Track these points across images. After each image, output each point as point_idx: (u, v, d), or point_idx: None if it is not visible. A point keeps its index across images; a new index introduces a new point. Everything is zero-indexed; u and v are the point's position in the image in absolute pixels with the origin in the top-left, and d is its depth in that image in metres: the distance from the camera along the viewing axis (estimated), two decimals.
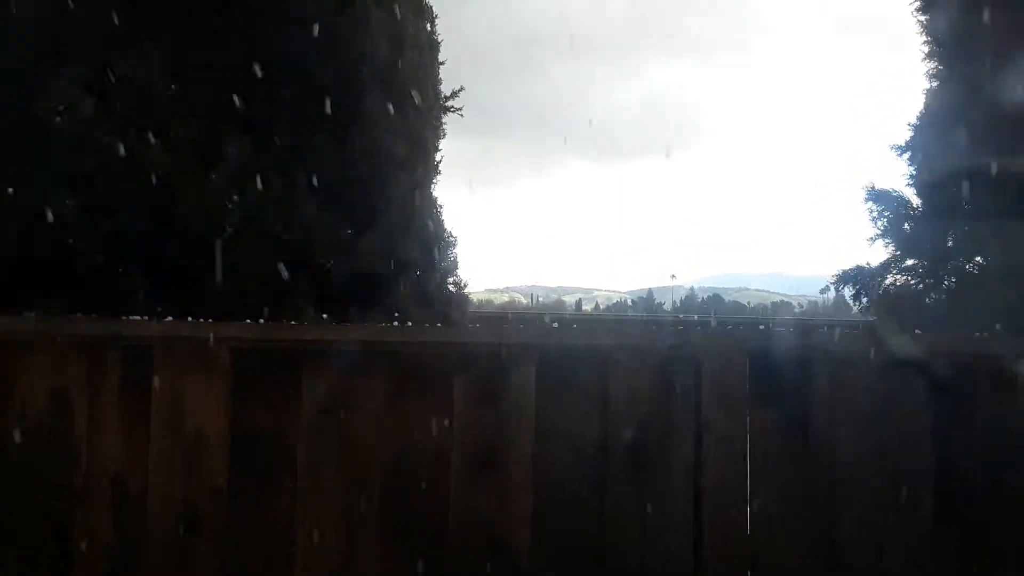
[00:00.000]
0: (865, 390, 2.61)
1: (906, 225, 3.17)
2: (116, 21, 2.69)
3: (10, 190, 2.58)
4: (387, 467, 2.66)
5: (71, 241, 2.55)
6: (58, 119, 2.60)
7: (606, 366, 2.69)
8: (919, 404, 2.59)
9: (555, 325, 3.02)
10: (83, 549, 2.56)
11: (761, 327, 3.16)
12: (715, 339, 2.74)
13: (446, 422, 2.68)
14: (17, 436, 2.56)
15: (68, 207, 2.54)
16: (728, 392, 2.63)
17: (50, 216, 2.52)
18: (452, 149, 4.23)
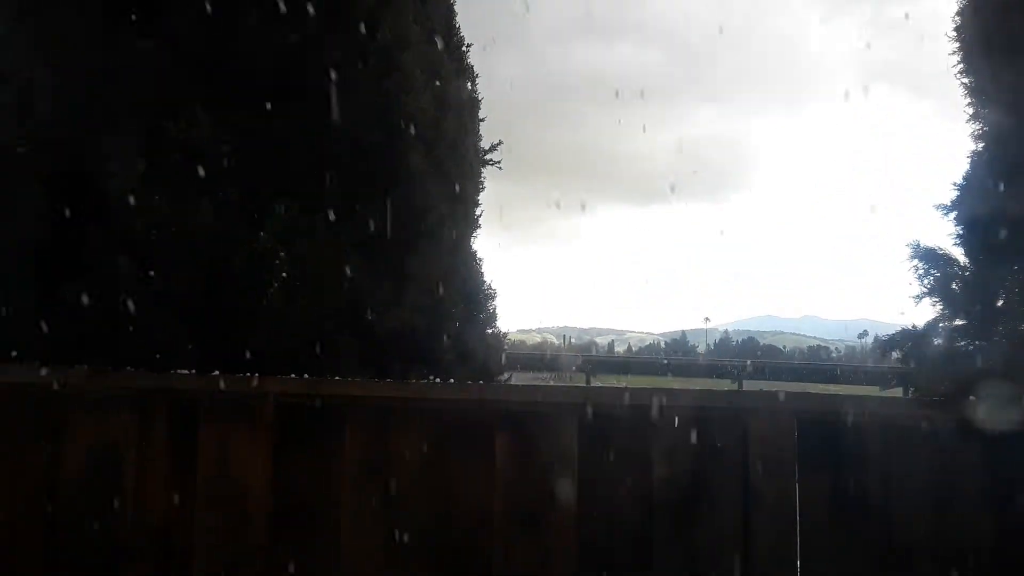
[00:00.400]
0: (921, 458, 2.54)
1: (954, 285, 3.11)
2: (167, 87, 2.79)
3: (65, 250, 2.66)
4: (429, 522, 2.65)
5: (123, 298, 2.62)
6: (112, 181, 2.68)
7: (649, 427, 2.67)
8: (978, 474, 2.52)
9: (598, 384, 3.01)
10: None
11: (810, 391, 3.10)
12: (761, 401, 2.69)
13: (488, 480, 2.67)
14: (68, 488, 2.60)
15: (120, 266, 2.61)
16: (776, 456, 2.58)
17: (103, 275, 2.59)
18: (488, 192, 4.29)
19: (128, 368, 2.66)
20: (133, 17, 2.77)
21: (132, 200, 2.69)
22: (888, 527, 2.52)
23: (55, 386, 2.63)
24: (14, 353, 2.64)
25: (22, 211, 2.64)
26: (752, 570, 2.53)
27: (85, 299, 2.64)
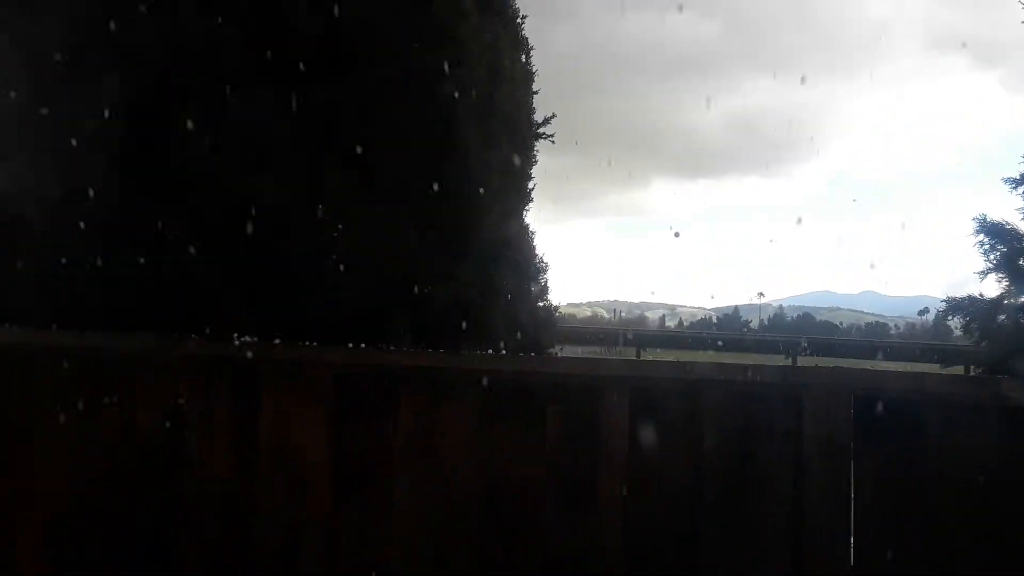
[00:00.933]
0: (981, 436, 2.48)
1: (1022, 261, 3.01)
2: (229, 62, 2.86)
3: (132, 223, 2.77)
4: (479, 492, 2.71)
5: (188, 270, 2.72)
6: (177, 155, 2.77)
7: (700, 402, 2.66)
8: None
9: (645, 356, 3.01)
10: (191, 561, 2.70)
11: (867, 366, 3.05)
12: (816, 377, 2.66)
13: (538, 451, 2.71)
14: (136, 451, 2.73)
15: (185, 239, 2.71)
16: (830, 433, 2.55)
17: (169, 246, 2.70)
18: (540, 165, 4.27)
19: (193, 336, 2.76)
20: None
21: (196, 174, 2.78)
22: (945, 508, 2.48)
23: (124, 353, 2.76)
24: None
25: (91, 185, 2.75)
26: (804, 549, 2.52)
27: (151, 270, 2.74)
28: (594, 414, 2.67)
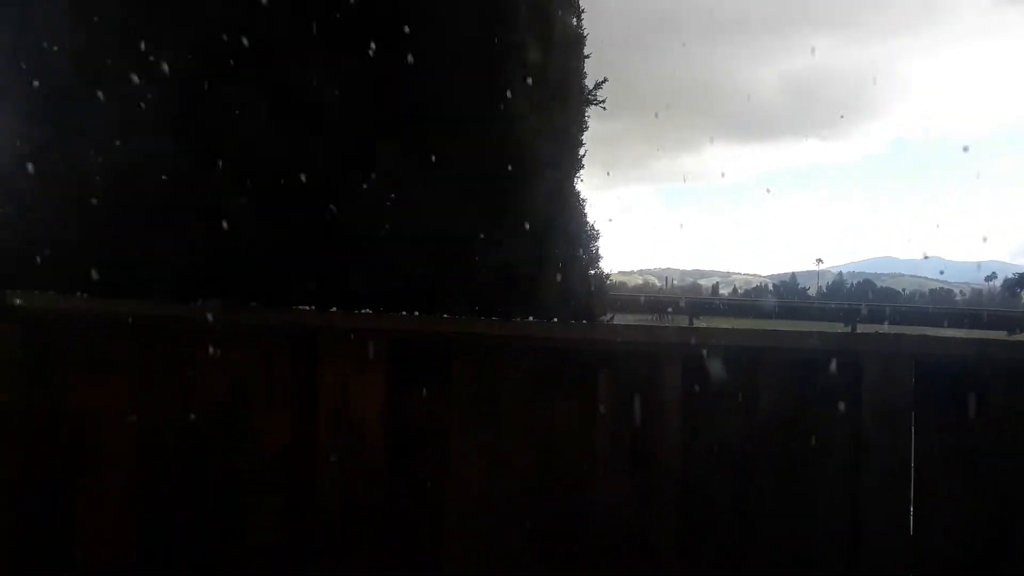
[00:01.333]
0: None
1: None
2: (284, 32, 2.89)
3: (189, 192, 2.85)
4: (532, 459, 2.74)
5: (247, 241, 2.79)
6: (234, 127, 2.83)
7: (754, 370, 2.63)
8: None
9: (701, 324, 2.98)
10: (257, 527, 2.80)
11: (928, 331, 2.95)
12: (876, 344, 2.60)
13: (591, 418, 2.72)
14: (201, 417, 2.84)
15: (244, 209, 2.77)
16: (890, 402, 2.50)
17: (229, 217, 2.77)
18: (592, 131, 4.20)
19: (253, 304, 2.84)
20: None
21: (252, 146, 2.83)
22: (1009, 477, 2.41)
23: (187, 322, 2.85)
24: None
25: (153, 157, 2.83)
26: (861, 523, 2.49)
27: (211, 241, 2.82)
28: (646, 381, 2.67)
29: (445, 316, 2.92)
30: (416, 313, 2.87)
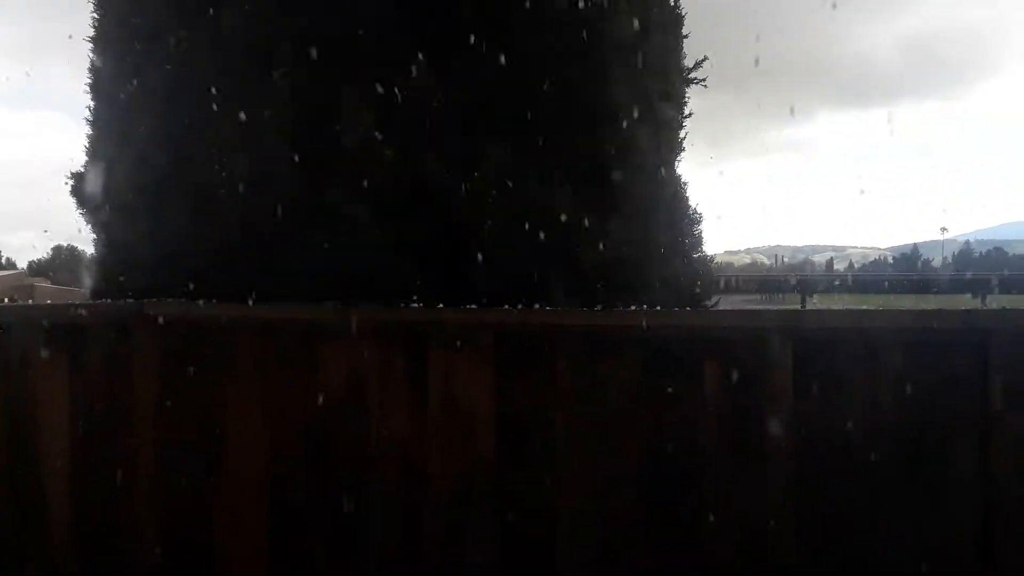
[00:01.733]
0: None
1: None
2: (392, 43, 3.01)
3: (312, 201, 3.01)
4: (639, 449, 2.75)
5: (359, 242, 2.92)
6: (348, 136, 2.97)
7: (872, 353, 2.54)
8: None
9: (815, 303, 2.90)
10: (376, 513, 2.95)
11: None
12: (1005, 320, 2.46)
13: (698, 408, 2.71)
14: (324, 411, 3.00)
15: (358, 214, 2.91)
16: (1022, 383, 2.36)
17: (344, 223, 2.92)
18: (693, 108, 4.11)
19: (368, 304, 2.98)
20: None
21: (365, 153, 2.96)
22: None
23: (310, 322, 3.02)
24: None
25: (275, 168, 3.01)
26: (994, 515, 2.36)
27: (331, 244, 2.98)
28: (755, 368, 2.63)
29: (548, 308, 2.96)
30: (520, 306, 2.93)
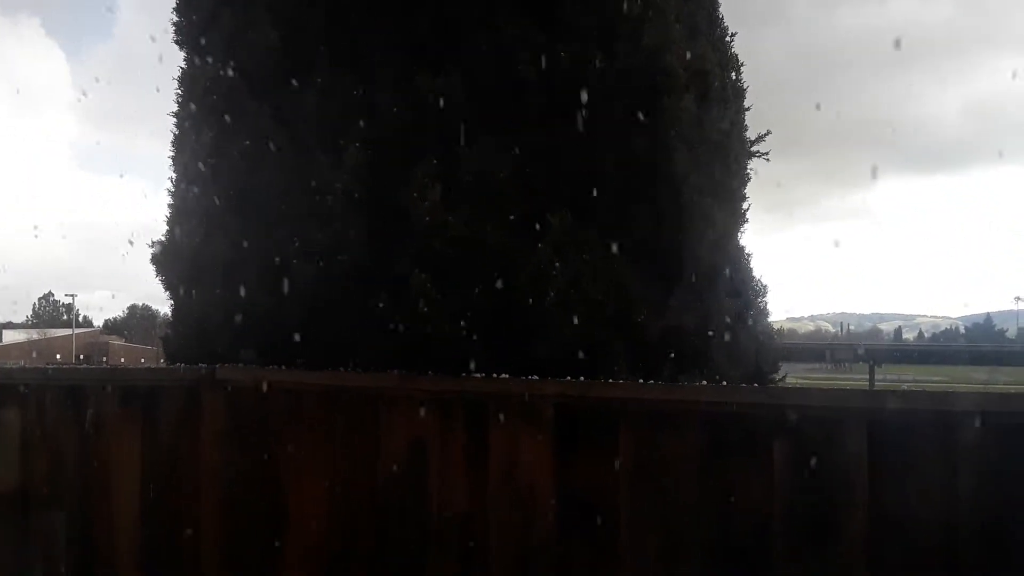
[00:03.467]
0: None
1: None
2: (457, 116, 3.11)
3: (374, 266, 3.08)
4: (706, 526, 2.66)
5: (424, 311, 2.97)
6: (413, 206, 3.05)
7: (952, 437, 2.42)
8: None
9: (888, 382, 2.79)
10: None
11: None
12: None
13: (766, 486, 2.61)
14: (387, 478, 3.00)
15: (422, 281, 2.96)
16: None
17: (409, 290, 2.97)
18: (756, 176, 4.09)
19: (430, 372, 2.99)
20: (430, 59, 3.13)
21: (430, 222, 3.04)
22: None
23: (372, 389, 3.05)
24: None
25: (343, 238, 3.10)
26: None
27: (395, 311, 3.03)
28: (826, 450, 2.53)
29: (610, 380, 2.93)
30: (582, 378, 2.90)
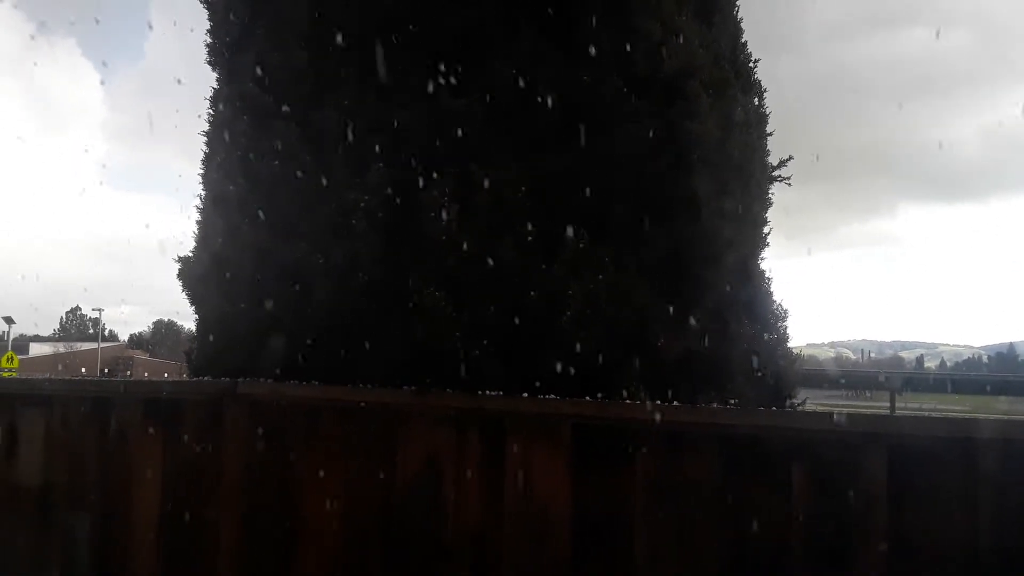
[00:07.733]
0: None
1: None
2: (475, 138, 3.16)
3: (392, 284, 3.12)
4: (723, 548, 2.65)
5: (438, 328, 2.99)
6: (429, 225, 3.09)
7: (972, 463, 2.41)
8: None
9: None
10: None
11: None
12: None
13: (784, 509, 2.60)
14: (400, 492, 3.01)
15: (437, 299, 2.99)
16: None
17: (422, 308, 3.00)
18: (777, 204, 4.09)
19: (446, 389, 3.01)
20: (451, 80, 3.18)
21: (447, 241, 3.07)
22: None
23: (388, 405, 3.07)
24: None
25: (362, 255, 3.14)
26: None
27: (411, 329, 3.05)
28: (845, 474, 2.51)
29: (627, 401, 2.93)
30: (600, 396, 2.90)
